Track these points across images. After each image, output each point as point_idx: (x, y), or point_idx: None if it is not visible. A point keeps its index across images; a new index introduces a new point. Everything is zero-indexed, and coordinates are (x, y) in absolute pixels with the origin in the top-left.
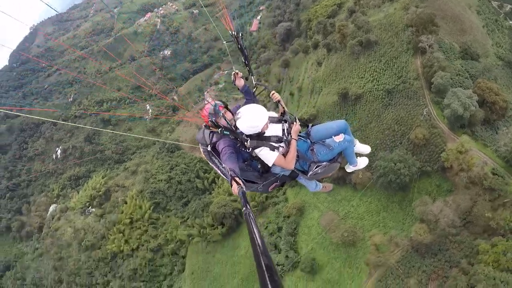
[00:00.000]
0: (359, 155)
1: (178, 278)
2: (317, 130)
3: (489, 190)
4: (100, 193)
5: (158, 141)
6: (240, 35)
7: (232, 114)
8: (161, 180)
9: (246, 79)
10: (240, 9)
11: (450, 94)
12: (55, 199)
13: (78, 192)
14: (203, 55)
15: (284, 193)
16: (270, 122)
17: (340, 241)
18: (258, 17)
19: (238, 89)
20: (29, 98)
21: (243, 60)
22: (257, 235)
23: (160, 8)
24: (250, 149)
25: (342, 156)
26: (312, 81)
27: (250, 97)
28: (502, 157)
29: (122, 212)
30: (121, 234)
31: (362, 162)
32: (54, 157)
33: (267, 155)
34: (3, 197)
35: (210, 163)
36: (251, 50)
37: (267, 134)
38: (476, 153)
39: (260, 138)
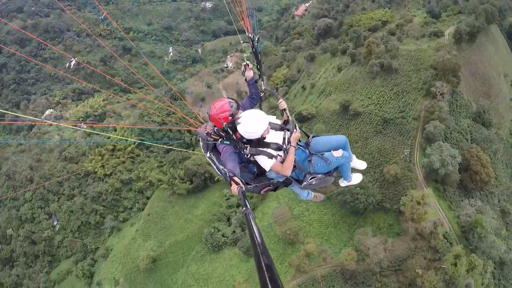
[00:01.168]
0: (354, 170)
1: (135, 215)
2: (317, 141)
3: (433, 250)
4: (96, 113)
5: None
6: (257, 38)
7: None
8: (154, 122)
9: (256, 82)
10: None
11: (436, 145)
12: (54, 104)
13: (76, 106)
14: (239, 22)
15: None
16: (271, 128)
17: (282, 236)
18: (307, 4)
19: (246, 80)
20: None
21: (256, 64)
22: (257, 235)
23: None
24: (248, 155)
25: (337, 170)
26: (326, 83)
27: (255, 89)
28: (460, 225)
29: (109, 138)
30: (100, 157)
31: (356, 178)
32: (67, 66)
33: (264, 162)
34: (7, 87)
35: (207, 158)
36: (287, 33)
37: (267, 140)
38: (438, 211)
39: (259, 144)
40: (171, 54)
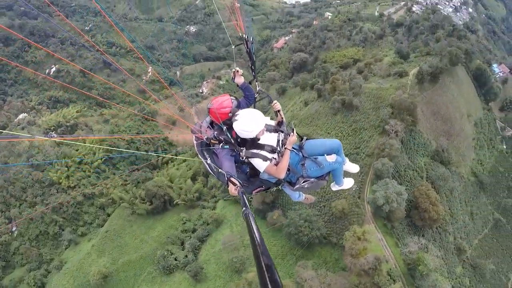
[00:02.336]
0: (346, 174)
1: (94, 230)
2: (310, 145)
3: (376, 287)
4: (68, 124)
5: (142, 103)
6: (251, 39)
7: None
8: (123, 140)
9: (250, 83)
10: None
11: (382, 182)
12: (28, 109)
13: (50, 113)
14: (221, 47)
15: (216, 201)
16: (266, 130)
17: (229, 264)
18: (287, 37)
19: (238, 85)
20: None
21: (250, 65)
22: (257, 235)
23: None
24: (244, 158)
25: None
26: (292, 116)
27: (249, 92)
28: (406, 262)
29: (77, 150)
30: (66, 168)
31: (348, 183)
32: (47, 72)
33: (259, 164)
34: None
35: (200, 157)
36: (264, 64)
37: (261, 142)
38: (384, 247)
39: (254, 145)
40: (150, 73)
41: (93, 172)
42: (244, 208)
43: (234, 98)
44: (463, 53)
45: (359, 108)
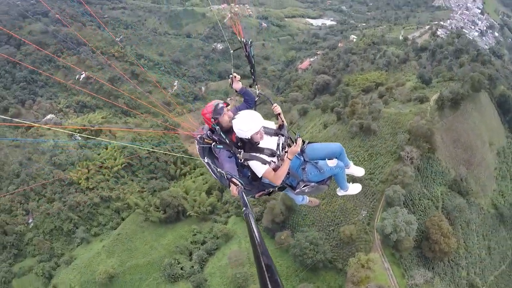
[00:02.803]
0: (352, 179)
1: (107, 232)
2: (312, 148)
3: None
4: (92, 128)
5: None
6: (250, 42)
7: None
8: (145, 149)
9: (250, 86)
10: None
11: (392, 210)
12: (56, 111)
13: (77, 117)
14: (247, 65)
15: (228, 217)
16: (265, 134)
17: (231, 278)
18: (312, 59)
19: (236, 91)
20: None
21: (250, 69)
22: (257, 235)
23: (237, 6)
24: (242, 160)
25: (333, 179)
26: (310, 138)
27: (249, 96)
28: None
29: (99, 154)
30: (87, 170)
31: (354, 188)
32: (76, 77)
33: (257, 167)
34: (17, 83)
35: (202, 161)
36: (288, 84)
37: (261, 145)
38: (390, 277)
39: (253, 148)
40: (176, 87)
41: (112, 176)
42: (244, 208)
43: (221, 101)
44: (487, 79)
45: (376, 133)
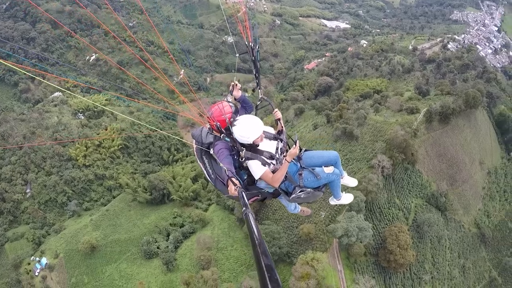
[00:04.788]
0: (345, 189)
1: (97, 207)
2: (309, 156)
3: None
4: (96, 109)
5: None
6: (257, 47)
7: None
8: (142, 132)
9: (253, 90)
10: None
11: (348, 215)
12: (63, 89)
13: (83, 96)
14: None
15: (209, 205)
16: (265, 137)
17: (196, 260)
18: (320, 60)
19: (235, 99)
20: None
21: (254, 73)
22: (257, 235)
23: (252, 0)
24: (243, 158)
25: (327, 187)
26: (299, 138)
27: (247, 104)
28: None
29: (98, 134)
30: (85, 148)
31: (347, 198)
32: (86, 58)
33: (256, 168)
34: (29, 59)
35: (199, 162)
36: (292, 83)
37: (260, 148)
38: (340, 280)
39: (253, 150)
40: (181, 76)
41: (108, 156)
42: (244, 208)
43: (232, 104)
44: (485, 97)
45: (358, 139)
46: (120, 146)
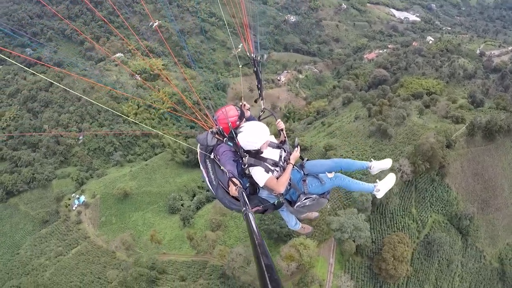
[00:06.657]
0: (382, 173)
1: (138, 161)
2: (311, 164)
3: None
4: (152, 73)
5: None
6: (259, 58)
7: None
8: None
9: (255, 101)
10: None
11: (349, 211)
12: (125, 51)
13: (142, 59)
14: (314, 43)
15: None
16: (269, 146)
17: (209, 221)
18: (380, 51)
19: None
20: None
21: (256, 84)
22: (257, 235)
23: None
24: (246, 165)
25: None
26: (338, 127)
27: (251, 118)
28: None
29: (150, 95)
30: (137, 107)
31: (388, 181)
32: (149, 24)
33: (260, 174)
34: (96, 22)
35: (201, 166)
36: (348, 71)
37: (264, 155)
38: (328, 274)
39: (257, 157)
40: (239, 49)
41: (157, 116)
42: (244, 208)
43: (239, 108)
44: None
45: (391, 138)
46: (169, 108)
